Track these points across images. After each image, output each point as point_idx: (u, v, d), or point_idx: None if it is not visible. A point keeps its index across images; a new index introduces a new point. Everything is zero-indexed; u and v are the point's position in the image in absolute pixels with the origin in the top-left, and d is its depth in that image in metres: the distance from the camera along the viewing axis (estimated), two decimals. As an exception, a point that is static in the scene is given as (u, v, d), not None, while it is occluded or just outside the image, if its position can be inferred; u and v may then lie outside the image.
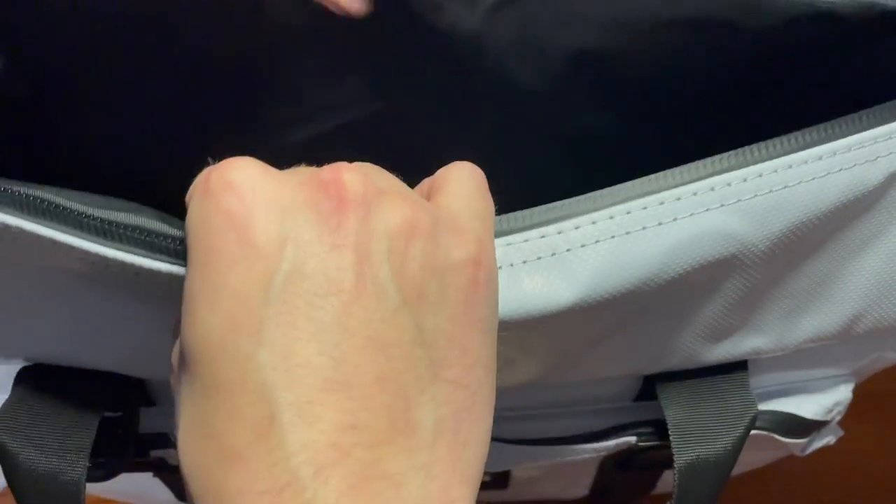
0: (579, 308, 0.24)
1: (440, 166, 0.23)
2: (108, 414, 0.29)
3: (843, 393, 0.33)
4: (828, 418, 0.33)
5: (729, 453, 0.29)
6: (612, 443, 0.33)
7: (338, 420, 0.18)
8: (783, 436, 0.32)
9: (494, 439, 0.33)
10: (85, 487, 0.27)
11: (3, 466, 0.27)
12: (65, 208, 0.22)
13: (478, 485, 0.20)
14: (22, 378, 0.28)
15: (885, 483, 0.51)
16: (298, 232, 0.19)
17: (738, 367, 0.29)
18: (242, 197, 0.19)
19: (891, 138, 0.25)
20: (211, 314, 0.19)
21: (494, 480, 0.40)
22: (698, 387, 0.29)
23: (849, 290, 0.27)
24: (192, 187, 0.21)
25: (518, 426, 0.33)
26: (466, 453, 0.20)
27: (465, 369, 0.20)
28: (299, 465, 0.17)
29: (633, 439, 0.33)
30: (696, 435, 0.29)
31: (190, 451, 0.19)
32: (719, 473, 0.29)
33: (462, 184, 0.22)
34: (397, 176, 0.22)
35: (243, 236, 0.19)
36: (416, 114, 0.32)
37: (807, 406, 0.32)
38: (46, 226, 0.22)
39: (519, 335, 0.25)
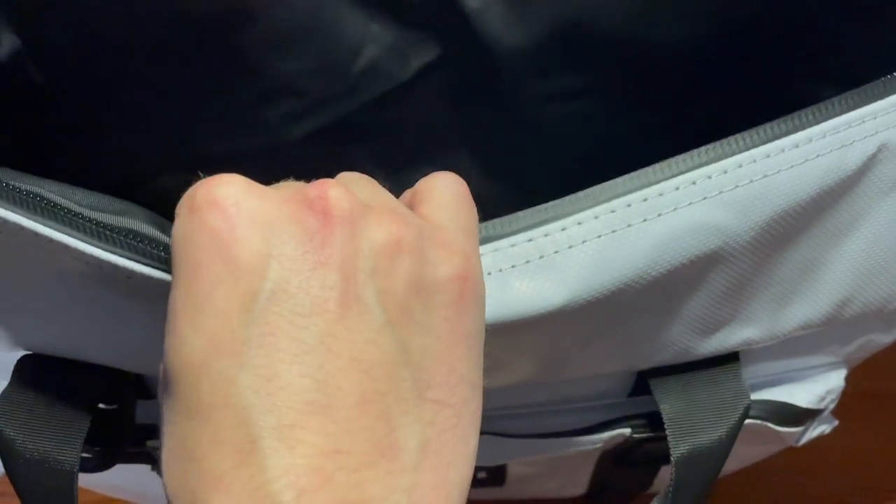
0: (570, 308, 0.24)
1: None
2: (104, 406, 0.29)
3: (834, 380, 0.33)
4: (821, 406, 0.33)
5: (724, 443, 0.29)
6: (605, 435, 0.33)
7: (320, 444, 0.18)
8: (777, 424, 0.32)
9: (489, 433, 0.33)
10: (78, 476, 0.27)
11: (0, 452, 0.27)
12: (62, 208, 0.22)
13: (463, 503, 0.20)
14: (21, 367, 0.28)
15: (885, 483, 0.51)
16: (282, 249, 0.19)
17: (729, 358, 0.29)
18: (226, 213, 0.19)
19: (864, 122, 0.25)
20: (193, 334, 0.18)
21: (490, 476, 0.40)
22: (691, 380, 0.29)
23: (834, 275, 0.27)
24: (179, 203, 0.21)
25: (511, 423, 0.33)
26: (451, 474, 0.19)
27: (450, 388, 0.20)
28: (281, 489, 0.17)
29: (627, 431, 0.33)
30: (691, 428, 0.29)
31: (172, 472, 0.19)
32: (714, 463, 0.29)
33: (446, 195, 0.22)
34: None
35: (227, 254, 0.18)
36: (405, 98, 0.32)
37: (799, 394, 0.33)
38: (44, 224, 0.22)
39: (510, 337, 0.25)
